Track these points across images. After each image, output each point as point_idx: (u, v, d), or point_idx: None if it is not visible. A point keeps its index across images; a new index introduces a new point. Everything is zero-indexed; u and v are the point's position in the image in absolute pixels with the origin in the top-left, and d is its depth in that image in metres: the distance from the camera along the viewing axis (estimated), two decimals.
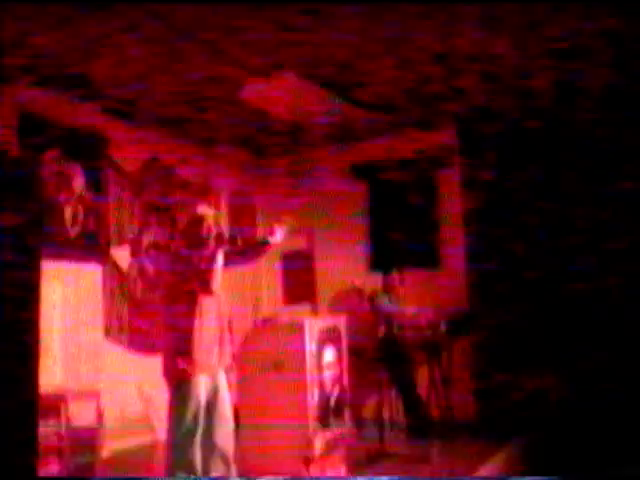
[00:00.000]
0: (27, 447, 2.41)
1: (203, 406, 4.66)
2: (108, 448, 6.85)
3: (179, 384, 4.61)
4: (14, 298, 2.30)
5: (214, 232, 4.74)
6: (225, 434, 4.81)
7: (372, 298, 8.01)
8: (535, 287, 7.83)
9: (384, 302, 7.86)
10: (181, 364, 4.58)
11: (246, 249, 5.24)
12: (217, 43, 5.80)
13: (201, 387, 4.65)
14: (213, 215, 4.90)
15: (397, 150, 8.83)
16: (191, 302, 4.64)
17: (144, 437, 7.41)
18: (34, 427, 2.47)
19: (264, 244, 5.07)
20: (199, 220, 4.79)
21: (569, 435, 6.56)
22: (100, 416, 6.38)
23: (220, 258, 4.55)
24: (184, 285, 4.62)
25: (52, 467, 6.24)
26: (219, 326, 4.81)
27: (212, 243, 4.66)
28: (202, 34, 5.63)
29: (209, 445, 4.73)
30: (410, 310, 7.80)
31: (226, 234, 4.69)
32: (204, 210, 4.91)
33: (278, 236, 5.04)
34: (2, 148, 5.69)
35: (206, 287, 4.51)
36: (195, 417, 4.60)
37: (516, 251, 8.00)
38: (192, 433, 4.59)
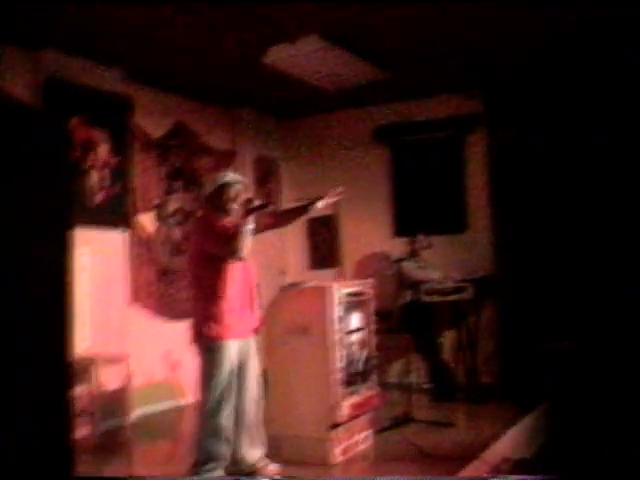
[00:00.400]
0: (63, 413, 2.42)
1: (234, 370, 4.69)
2: (136, 412, 6.95)
3: (211, 348, 4.63)
4: (49, 263, 2.31)
5: (243, 198, 4.73)
6: (254, 398, 4.85)
7: (398, 263, 7.99)
8: (561, 251, 7.80)
9: (410, 267, 7.85)
10: (213, 328, 4.60)
11: (286, 212, 5.24)
12: (240, 7, 5.74)
13: (232, 350, 4.67)
14: (241, 181, 4.89)
15: (421, 113, 8.76)
16: (220, 267, 4.65)
17: (171, 402, 7.51)
18: (69, 392, 2.48)
19: (306, 209, 5.08)
20: (227, 186, 4.79)
21: (592, 402, 6.54)
22: (128, 380, 6.45)
23: (249, 224, 4.53)
24: (213, 251, 4.62)
25: (83, 429, 6.35)
26: (248, 290, 4.83)
27: (240, 209, 4.65)
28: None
29: (239, 409, 4.77)
30: (436, 275, 7.80)
31: (255, 201, 4.66)
32: (232, 176, 4.90)
33: (320, 204, 5.06)
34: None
35: (235, 254, 4.50)
36: (227, 380, 4.62)
37: (542, 215, 7.96)
38: (224, 396, 4.62)
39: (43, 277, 2.32)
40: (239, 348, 4.73)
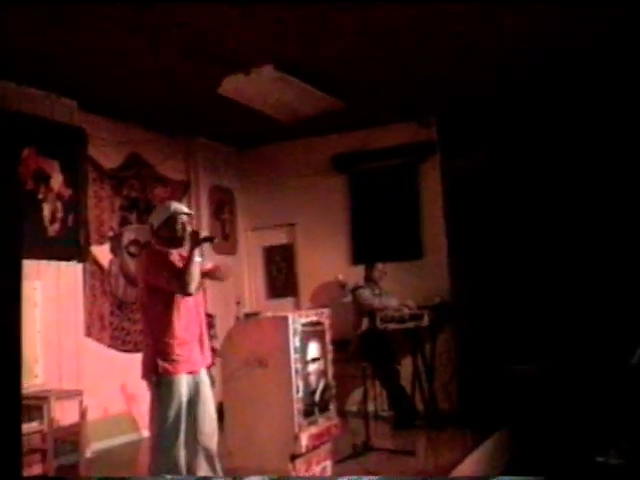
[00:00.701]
0: (11, 450, 2.35)
1: (185, 404, 4.62)
2: (92, 447, 6.82)
3: (160, 383, 4.55)
4: None
5: (188, 230, 4.68)
6: (209, 432, 4.77)
7: (354, 291, 8.00)
8: (515, 276, 7.89)
9: (366, 295, 7.86)
10: (162, 363, 4.53)
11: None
12: (196, 37, 5.74)
13: (183, 385, 4.59)
14: (187, 212, 4.82)
15: (377, 141, 8.82)
16: (169, 301, 4.58)
17: (128, 435, 7.38)
18: (18, 430, 2.41)
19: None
20: (173, 217, 4.71)
21: (552, 426, 6.59)
22: (83, 415, 6.33)
23: (196, 258, 4.48)
24: (162, 285, 4.55)
25: (35, 468, 6.21)
26: (199, 324, 4.75)
27: (187, 242, 4.59)
28: (181, 28, 5.57)
29: (193, 444, 4.69)
30: (392, 302, 7.81)
31: (202, 232, 4.60)
32: (178, 207, 4.82)
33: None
34: None
35: (184, 289, 4.44)
36: (178, 415, 4.54)
37: (497, 241, 8.05)
38: (175, 432, 4.54)
39: None
40: (190, 382, 4.66)
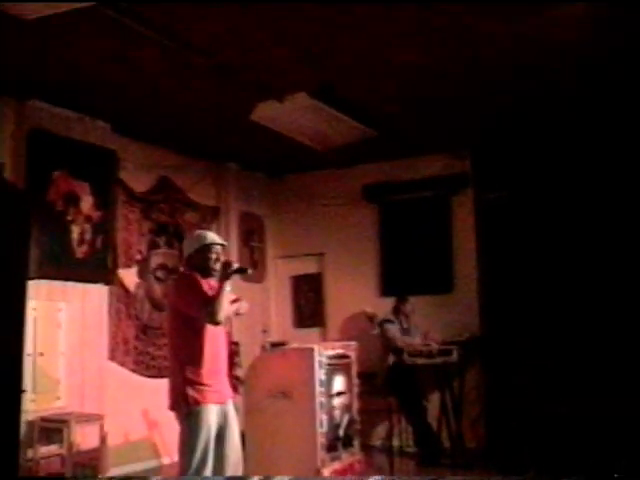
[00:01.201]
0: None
1: (214, 435, 4.54)
2: (111, 472, 6.73)
3: (190, 413, 4.48)
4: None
5: (221, 261, 4.62)
6: (234, 463, 4.69)
7: (382, 325, 7.88)
8: (548, 313, 7.73)
9: (393, 330, 7.72)
10: (192, 393, 4.46)
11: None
12: (230, 63, 5.72)
13: (213, 415, 4.52)
14: (221, 243, 4.76)
15: (409, 173, 8.74)
16: (199, 328, 4.51)
17: (148, 462, 7.29)
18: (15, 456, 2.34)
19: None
20: (207, 247, 4.66)
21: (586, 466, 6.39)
22: (103, 440, 6.25)
23: (227, 288, 4.42)
24: (192, 313, 4.49)
25: None
26: (225, 353, 4.69)
27: (219, 272, 4.53)
28: (216, 54, 5.56)
29: (219, 474, 4.60)
30: (417, 340, 7.67)
31: (234, 264, 4.53)
32: (213, 237, 4.77)
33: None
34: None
35: (213, 318, 4.38)
36: (207, 446, 4.46)
37: (529, 276, 7.91)
38: (204, 463, 4.46)
39: None
40: (218, 412, 4.58)
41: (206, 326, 4.49)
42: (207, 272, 4.60)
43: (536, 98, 6.73)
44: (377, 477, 4.82)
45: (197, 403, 4.43)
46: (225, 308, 4.39)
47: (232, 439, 4.67)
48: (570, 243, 7.80)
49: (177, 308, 4.57)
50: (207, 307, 4.35)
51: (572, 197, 7.85)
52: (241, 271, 4.59)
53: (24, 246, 2.34)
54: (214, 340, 4.56)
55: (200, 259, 4.62)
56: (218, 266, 4.58)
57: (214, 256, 4.61)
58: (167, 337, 4.78)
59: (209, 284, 4.57)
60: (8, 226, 2.14)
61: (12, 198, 2.16)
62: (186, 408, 4.46)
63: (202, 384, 4.46)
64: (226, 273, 4.44)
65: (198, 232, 4.98)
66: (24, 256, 2.34)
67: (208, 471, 4.47)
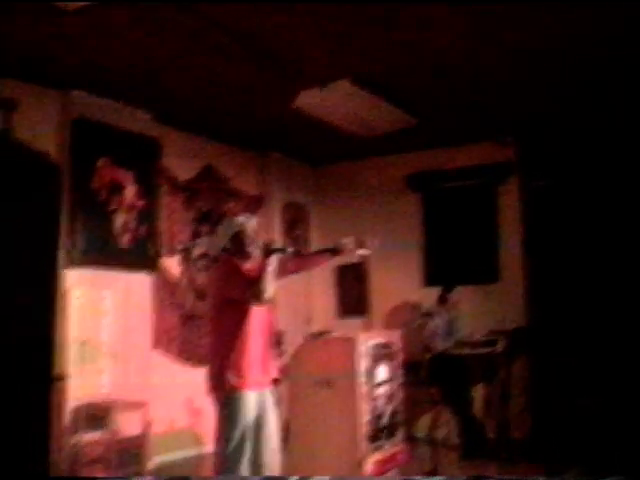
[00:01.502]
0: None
1: (252, 422, 4.52)
2: (154, 460, 6.77)
3: (229, 399, 4.47)
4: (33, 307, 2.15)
5: (260, 242, 4.61)
6: (272, 451, 4.66)
7: (425, 317, 7.79)
8: (597, 303, 7.57)
9: (430, 331, 7.58)
10: (231, 378, 4.44)
11: (312, 255, 5.08)
12: (272, 52, 5.68)
13: (251, 402, 4.50)
14: (253, 221, 4.75)
15: (454, 161, 8.63)
16: (242, 313, 4.51)
17: (191, 450, 7.31)
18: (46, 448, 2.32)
19: (333, 253, 4.92)
20: (240, 232, 4.66)
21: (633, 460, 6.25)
22: (147, 427, 6.28)
23: (271, 268, 4.39)
24: (236, 295, 4.48)
25: (99, 476, 6.20)
26: (268, 340, 4.67)
27: (261, 252, 4.52)
28: (256, 43, 5.51)
29: (257, 462, 4.58)
30: (451, 343, 7.50)
31: (274, 244, 4.53)
32: (243, 219, 4.76)
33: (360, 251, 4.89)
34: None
35: (258, 297, 4.36)
36: (244, 433, 4.45)
37: (577, 265, 7.76)
38: (241, 450, 4.44)
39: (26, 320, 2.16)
40: (257, 399, 4.56)
41: (249, 311, 4.48)
42: (244, 256, 4.59)
43: (585, 83, 6.57)
44: (419, 477, 4.75)
45: (236, 389, 4.42)
46: (270, 288, 4.38)
47: (270, 428, 4.64)
48: (619, 232, 7.62)
49: (220, 293, 4.58)
50: (251, 288, 4.35)
51: (622, 184, 7.67)
52: (281, 250, 4.58)
53: (55, 220, 2.32)
54: (256, 327, 4.54)
55: (235, 244, 4.62)
56: (254, 248, 4.57)
57: (249, 238, 4.61)
58: (209, 323, 4.78)
59: (251, 266, 4.57)
60: (40, 198, 2.11)
61: (43, 169, 2.14)
62: (224, 393, 4.44)
63: (242, 370, 4.44)
64: (268, 251, 4.44)
65: (227, 220, 4.98)
66: (55, 230, 2.32)
67: (245, 459, 4.46)
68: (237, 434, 4.43)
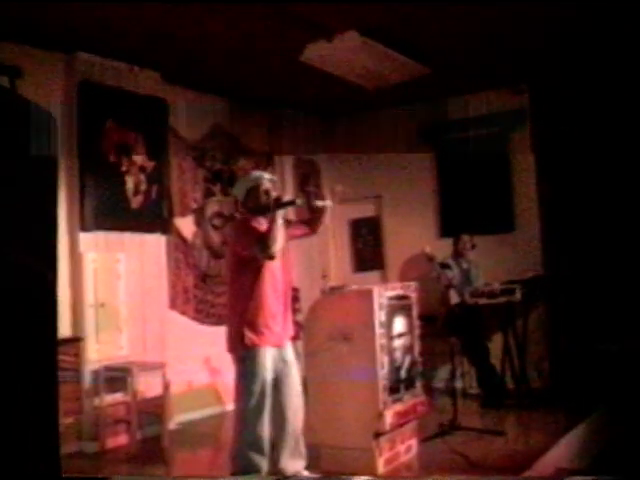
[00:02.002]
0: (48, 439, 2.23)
1: (271, 378, 4.53)
2: (175, 419, 6.82)
3: (246, 356, 4.48)
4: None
5: (271, 196, 4.58)
6: (294, 408, 4.68)
7: (442, 266, 7.72)
8: (614, 249, 7.50)
9: (446, 278, 7.51)
10: (248, 335, 4.45)
11: (305, 220, 5.07)
12: (278, 3, 5.57)
13: (268, 358, 4.52)
14: (269, 178, 4.73)
15: (466, 110, 8.51)
16: (258, 270, 4.50)
17: (212, 409, 7.36)
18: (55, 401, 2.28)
19: (316, 209, 4.90)
20: (256, 186, 4.64)
21: None
22: (166, 387, 6.31)
23: (279, 221, 4.38)
24: (246, 252, 4.48)
25: (120, 438, 6.25)
26: (284, 296, 4.67)
27: (270, 207, 4.50)
28: None
29: (278, 419, 4.60)
30: (466, 296, 7.44)
31: (285, 197, 4.53)
32: (259, 175, 4.76)
33: (327, 202, 4.87)
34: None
35: (266, 251, 4.35)
36: (263, 389, 4.47)
37: (593, 213, 7.67)
38: (260, 407, 4.46)
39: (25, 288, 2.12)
40: (276, 356, 4.56)
41: (265, 268, 4.47)
42: (261, 210, 4.58)
43: (599, 27, 6.41)
44: (437, 477, 4.75)
45: (253, 345, 4.43)
46: (279, 241, 4.37)
47: (291, 384, 4.66)
48: (634, 177, 7.51)
49: (235, 251, 4.60)
50: (260, 242, 4.34)
51: (637, 130, 7.53)
52: (291, 204, 4.58)
53: (52, 173, 2.26)
54: (274, 283, 4.55)
55: (252, 199, 4.64)
56: (269, 202, 4.57)
57: (264, 193, 4.59)
58: (227, 280, 4.80)
59: (261, 222, 4.56)
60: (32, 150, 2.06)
61: (36, 117, 2.07)
62: (242, 350, 4.46)
63: (259, 326, 4.45)
64: (276, 205, 4.42)
65: (245, 174, 5.01)
66: (52, 183, 2.26)
67: (264, 415, 4.47)
68: (256, 390, 4.45)
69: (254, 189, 4.65)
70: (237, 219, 4.89)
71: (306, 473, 4.74)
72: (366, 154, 9.16)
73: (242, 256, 4.52)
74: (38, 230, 2.15)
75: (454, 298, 7.39)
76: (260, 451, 4.46)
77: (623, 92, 7.50)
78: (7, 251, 1.95)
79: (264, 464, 4.50)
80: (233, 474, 4.48)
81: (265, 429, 4.48)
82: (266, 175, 4.78)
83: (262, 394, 4.46)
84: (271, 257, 4.41)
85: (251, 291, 4.52)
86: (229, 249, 4.81)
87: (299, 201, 4.63)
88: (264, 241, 4.36)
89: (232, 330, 4.59)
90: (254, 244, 4.41)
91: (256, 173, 4.88)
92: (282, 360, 4.64)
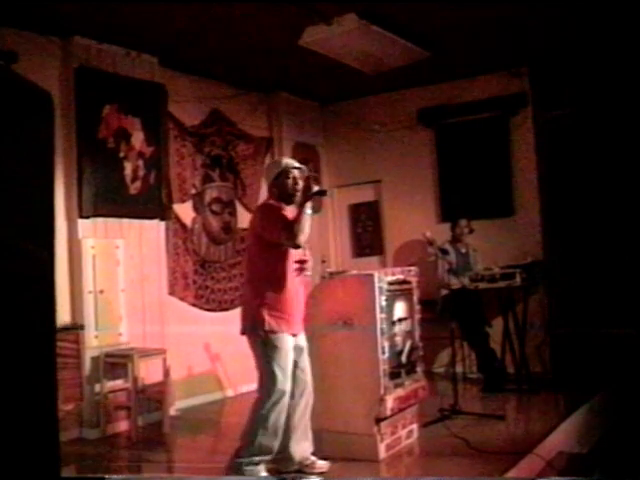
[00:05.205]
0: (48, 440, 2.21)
1: (292, 364, 4.54)
2: (176, 406, 6.82)
3: (268, 342, 4.46)
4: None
5: (301, 185, 4.59)
6: (306, 393, 4.69)
7: (441, 251, 7.70)
8: (612, 234, 7.49)
9: (444, 265, 7.48)
10: (269, 318, 4.43)
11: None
12: None
13: (290, 344, 4.52)
14: (300, 167, 4.75)
15: (465, 94, 8.47)
16: (283, 256, 4.53)
17: (212, 395, 7.37)
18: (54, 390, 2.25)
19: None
20: (285, 173, 4.65)
21: None
22: (167, 374, 6.30)
23: (308, 211, 4.38)
24: (272, 238, 4.45)
25: (121, 424, 6.25)
26: (300, 281, 4.69)
27: (299, 196, 4.51)
28: None
29: (291, 404, 4.59)
30: (465, 281, 7.39)
31: (314, 187, 4.53)
32: (290, 162, 4.77)
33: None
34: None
35: (293, 240, 4.35)
36: (286, 370, 4.46)
37: (592, 197, 7.66)
38: (283, 392, 4.45)
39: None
40: (294, 341, 4.59)
41: (289, 255, 4.47)
42: (289, 197, 4.60)
43: (599, 10, 6.35)
44: (434, 478, 4.73)
45: (273, 331, 4.44)
46: (306, 231, 4.37)
47: (305, 369, 4.69)
48: (635, 162, 7.48)
49: (259, 235, 4.59)
50: (287, 230, 4.34)
51: (637, 114, 7.49)
52: (320, 193, 4.65)
53: (48, 153, 2.22)
54: (291, 267, 4.57)
55: (280, 185, 4.66)
56: (298, 190, 4.56)
57: (292, 180, 4.62)
58: (248, 265, 4.79)
59: (290, 209, 4.57)
60: (30, 129, 2.01)
61: (32, 96, 2.02)
62: (263, 334, 4.44)
63: (280, 311, 4.46)
64: (306, 196, 4.43)
65: (275, 159, 4.99)
66: (49, 165, 2.21)
67: (286, 401, 4.46)
68: (280, 377, 4.44)
69: (282, 175, 4.65)
70: (263, 203, 4.86)
71: (313, 458, 4.74)
72: (366, 139, 9.13)
73: (267, 240, 4.51)
74: (35, 214, 2.11)
75: (453, 283, 7.37)
76: (275, 434, 4.45)
77: (624, 75, 7.46)
78: (3, 236, 1.92)
79: (276, 446, 4.50)
80: (242, 453, 4.45)
81: (284, 414, 4.48)
82: (295, 163, 4.77)
83: (284, 380, 4.46)
84: (297, 246, 4.42)
85: (273, 275, 4.53)
86: (252, 231, 4.76)
87: (329, 192, 4.64)
88: (292, 230, 4.35)
89: (249, 313, 4.56)
90: (281, 231, 4.40)
91: (285, 159, 4.89)
92: (297, 346, 4.65)
